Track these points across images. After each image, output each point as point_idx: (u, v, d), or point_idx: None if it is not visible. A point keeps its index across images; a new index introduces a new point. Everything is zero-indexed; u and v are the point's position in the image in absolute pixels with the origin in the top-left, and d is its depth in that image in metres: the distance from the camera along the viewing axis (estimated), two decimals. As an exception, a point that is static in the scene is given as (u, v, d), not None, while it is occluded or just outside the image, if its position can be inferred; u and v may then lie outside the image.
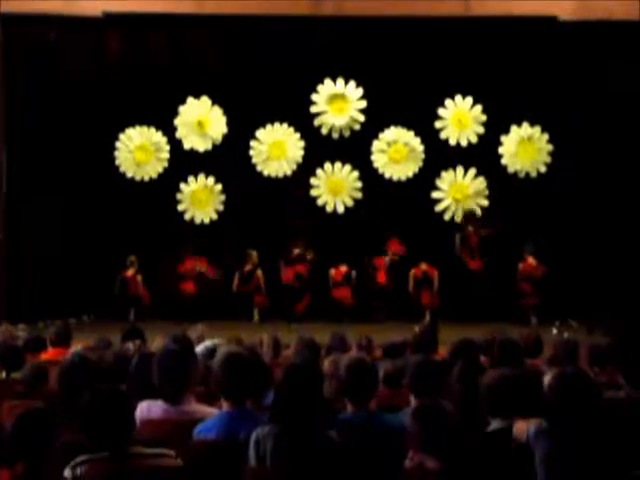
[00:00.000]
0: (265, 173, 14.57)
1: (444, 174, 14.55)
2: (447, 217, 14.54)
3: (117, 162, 14.49)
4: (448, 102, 14.44)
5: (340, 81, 14.48)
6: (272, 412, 4.17)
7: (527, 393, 4.34)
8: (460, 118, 14.40)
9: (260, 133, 14.56)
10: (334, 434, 4.15)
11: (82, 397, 3.94)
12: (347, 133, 14.57)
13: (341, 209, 14.63)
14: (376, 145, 14.55)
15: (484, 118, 14.42)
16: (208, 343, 6.80)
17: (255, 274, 14.14)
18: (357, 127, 14.55)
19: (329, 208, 14.62)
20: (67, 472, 3.74)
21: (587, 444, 3.79)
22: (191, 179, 14.62)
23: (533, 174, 14.41)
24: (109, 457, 3.75)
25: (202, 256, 14.18)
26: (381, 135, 14.52)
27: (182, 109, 14.49)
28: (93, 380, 4.95)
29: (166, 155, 14.58)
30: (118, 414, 3.84)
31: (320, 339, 7.10)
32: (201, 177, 14.62)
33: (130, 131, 14.53)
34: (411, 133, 14.50)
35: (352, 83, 14.47)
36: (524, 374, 4.63)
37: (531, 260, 13.94)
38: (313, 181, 14.64)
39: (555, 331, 12.20)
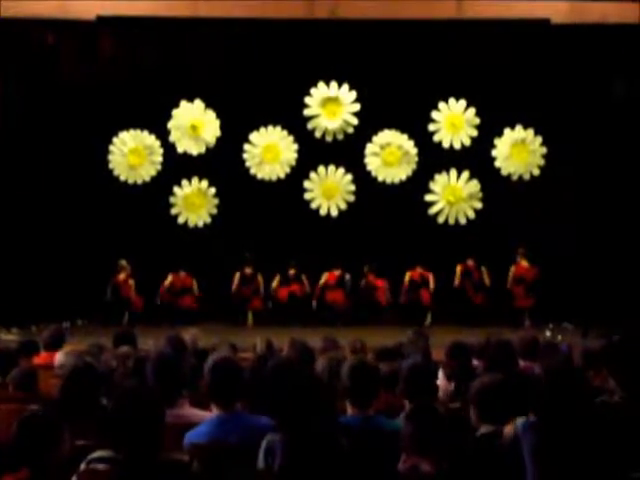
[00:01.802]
0: (259, 176, 14.56)
1: (437, 177, 14.56)
2: (441, 220, 14.55)
3: (110, 165, 14.49)
4: (441, 105, 14.45)
5: (333, 84, 14.48)
6: (279, 420, 4.11)
7: (516, 400, 4.33)
8: (453, 121, 14.41)
9: (254, 136, 14.55)
10: (344, 440, 4.10)
11: (113, 399, 3.85)
12: (340, 136, 14.57)
13: (334, 212, 14.63)
14: (369, 148, 14.55)
15: (477, 121, 14.42)
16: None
17: (256, 277, 14.13)
18: (350, 130, 14.55)
19: (322, 211, 14.63)
20: (82, 467, 3.71)
21: (575, 438, 3.81)
22: (184, 182, 14.61)
23: (526, 177, 14.43)
24: (124, 459, 3.69)
25: (190, 274, 14.14)
26: (374, 138, 14.52)
27: (175, 112, 14.48)
28: (99, 385, 4.93)
29: (159, 158, 14.57)
30: (152, 417, 3.74)
31: (312, 342, 7.07)
32: (194, 180, 14.61)
33: (123, 134, 14.52)
34: (404, 136, 14.51)
35: (345, 86, 14.47)
36: (514, 380, 4.62)
37: (524, 262, 13.96)
38: (307, 184, 14.63)
39: (549, 333, 12.20)
